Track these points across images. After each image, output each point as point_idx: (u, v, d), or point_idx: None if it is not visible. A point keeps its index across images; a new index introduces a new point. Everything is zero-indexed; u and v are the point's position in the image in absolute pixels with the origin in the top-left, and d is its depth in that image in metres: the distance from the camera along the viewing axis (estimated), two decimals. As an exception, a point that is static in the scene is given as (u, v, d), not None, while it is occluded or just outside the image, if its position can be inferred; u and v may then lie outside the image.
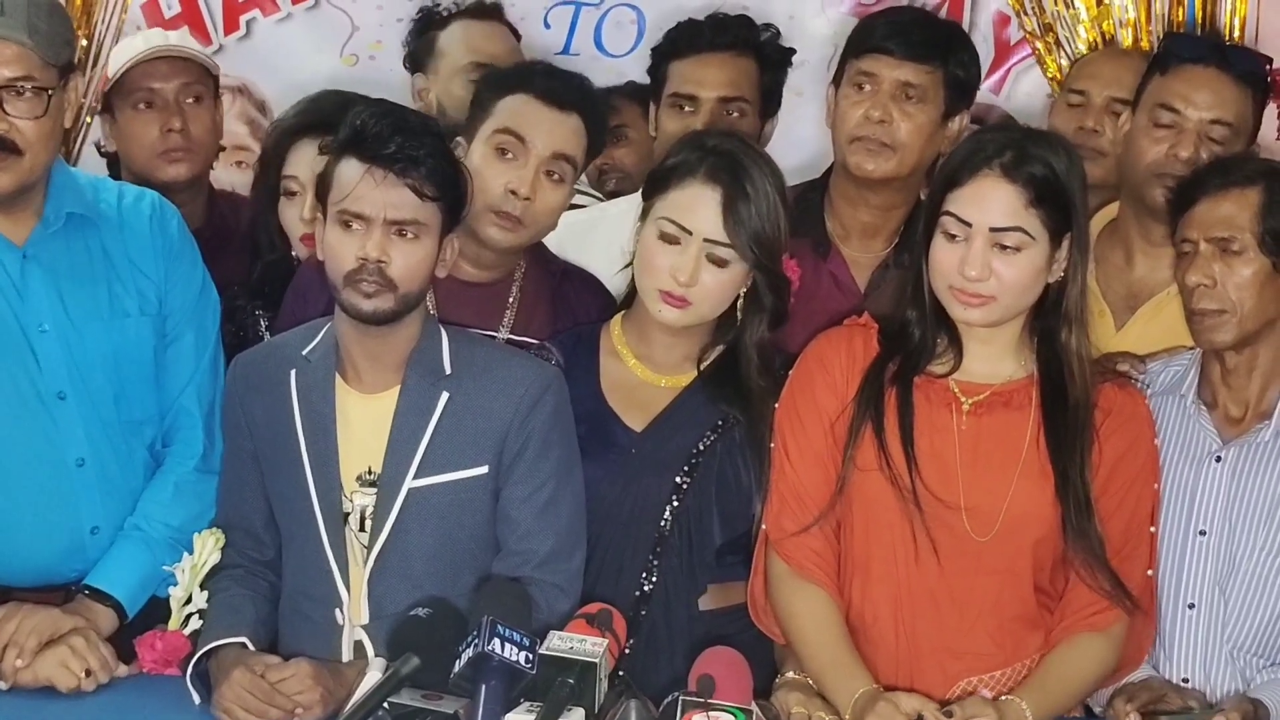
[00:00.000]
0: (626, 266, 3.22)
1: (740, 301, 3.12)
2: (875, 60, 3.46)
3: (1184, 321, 3.10)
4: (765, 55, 3.91)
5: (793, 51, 3.99)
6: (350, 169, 2.93)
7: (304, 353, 3.06)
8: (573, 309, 3.45)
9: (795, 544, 2.96)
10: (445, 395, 3.00)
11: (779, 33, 3.97)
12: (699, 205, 3.05)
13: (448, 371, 3.01)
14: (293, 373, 3.05)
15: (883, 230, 3.57)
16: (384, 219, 2.91)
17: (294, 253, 3.60)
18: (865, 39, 3.50)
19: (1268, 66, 3.62)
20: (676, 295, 3.05)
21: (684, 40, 3.89)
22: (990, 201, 2.84)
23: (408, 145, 2.91)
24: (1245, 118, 3.47)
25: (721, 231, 3.04)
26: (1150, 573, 2.98)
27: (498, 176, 3.27)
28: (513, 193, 3.26)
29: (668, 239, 3.07)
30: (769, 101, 3.95)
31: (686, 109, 3.83)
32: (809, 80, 4.33)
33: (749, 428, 3.10)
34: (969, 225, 2.84)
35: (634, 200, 3.33)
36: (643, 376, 3.18)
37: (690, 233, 3.05)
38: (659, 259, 3.07)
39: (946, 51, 3.48)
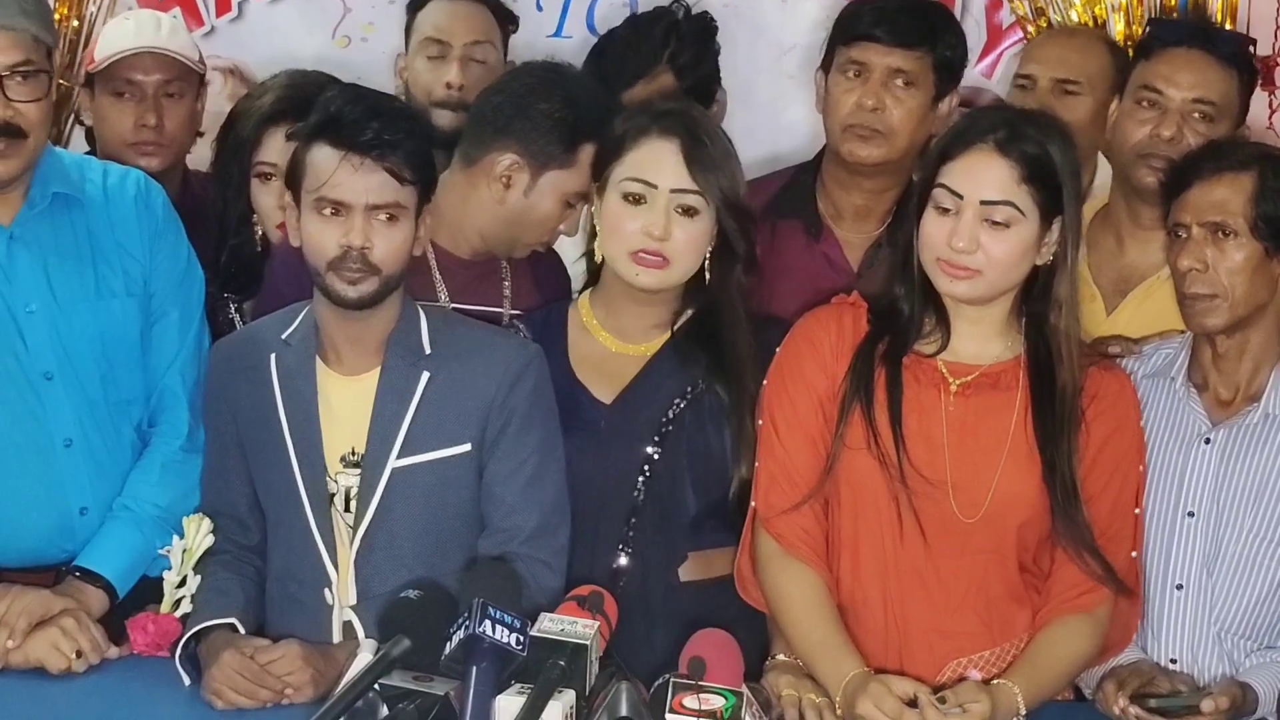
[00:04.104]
0: (582, 256, 3.25)
1: (708, 260, 3.11)
2: (865, 48, 3.46)
3: (1174, 305, 3.10)
4: (679, 65, 3.80)
5: (713, 30, 3.90)
6: (326, 155, 2.92)
7: (283, 337, 3.07)
8: (555, 283, 3.50)
9: (785, 522, 2.96)
10: (426, 375, 3.00)
11: (689, 11, 3.89)
12: (661, 158, 3.06)
13: (427, 351, 3.02)
14: (273, 356, 3.05)
15: (875, 211, 3.57)
16: (365, 205, 2.91)
17: (258, 233, 3.59)
18: (853, 26, 3.50)
19: (1251, 48, 3.64)
20: (652, 251, 3.05)
21: (613, 74, 3.79)
22: (983, 175, 2.84)
23: (385, 130, 2.91)
24: (1230, 98, 3.47)
25: (687, 179, 3.05)
26: (1135, 554, 2.98)
27: (561, 220, 3.34)
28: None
29: (633, 199, 3.07)
30: (705, 87, 3.87)
31: None
32: (801, 65, 4.33)
33: (727, 387, 3.09)
34: (960, 197, 2.85)
35: None
36: (613, 348, 3.18)
37: (655, 186, 3.05)
38: (627, 222, 3.06)
39: (935, 35, 3.49)
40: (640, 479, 3.11)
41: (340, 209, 2.91)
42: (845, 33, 3.51)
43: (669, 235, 3.04)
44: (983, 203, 2.84)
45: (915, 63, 3.46)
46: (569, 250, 3.54)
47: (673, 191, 3.05)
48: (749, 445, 3.06)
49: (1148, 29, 3.88)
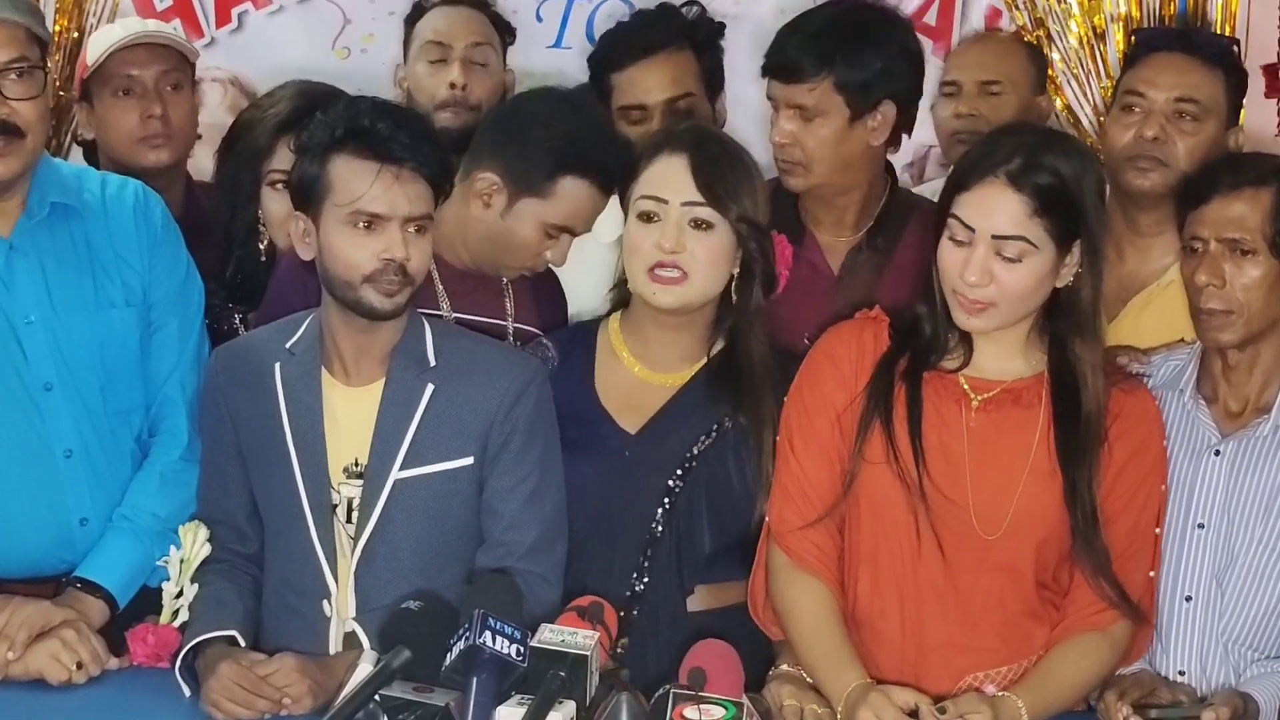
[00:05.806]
0: (616, 285, 3.23)
1: (734, 282, 3.10)
2: (771, 85, 3.46)
3: (1173, 312, 3.11)
4: (699, 41, 3.89)
5: (723, 25, 3.99)
6: (358, 168, 2.91)
7: (287, 346, 3.06)
8: (553, 304, 3.51)
9: (797, 537, 2.96)
10: (430, 387, 3.00)
11: (704, 8, 3.97)
12: (670, 174, 3.06)
13: (432, 363, 3.02)
14: (277, 365, 3.05)
15: (846, 220, 3.56)
16: (402, 216, 2.91)
17: (264, 242, 3.59)
18: (766, 61, 3.48)
19: (1236, 49, 3.70)
20: (666, 265, 3.04)
21: (619, 50, 3.86)
22: (994, 209, 2.82)
23: (416, 141, 2.92)
24: (1215, 97, 3.48)
25: (696, 192, 3.04)
26: (1152, 574, 2.97)
27: (542, 249, 3.33)
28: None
29: (647, 217, 3.07)
30: (713, 82, 3.94)
31: (636, 117, 3.80)
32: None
33: (750, 419, 3.08)
34: (972, 230, 2.83)
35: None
36: (640, 375, 3.17)
37: (666, 201, 3.05)
38: (642, 240, 3.06)
39: (830, 61, 3.37)
40: (660, 511, 3.10)
41: (375, 221, 2.91)
42: (763, 67, 3.49)
43: (682, 248, 3.03)
44: (995, 237, 2.82)
45: (808, 95, 3.38)
46: (580, 279, 3.55)
47: (683, 205, 3.04)
48: (769, 483, 3.04)
49: (1132, 39, 3.93)
